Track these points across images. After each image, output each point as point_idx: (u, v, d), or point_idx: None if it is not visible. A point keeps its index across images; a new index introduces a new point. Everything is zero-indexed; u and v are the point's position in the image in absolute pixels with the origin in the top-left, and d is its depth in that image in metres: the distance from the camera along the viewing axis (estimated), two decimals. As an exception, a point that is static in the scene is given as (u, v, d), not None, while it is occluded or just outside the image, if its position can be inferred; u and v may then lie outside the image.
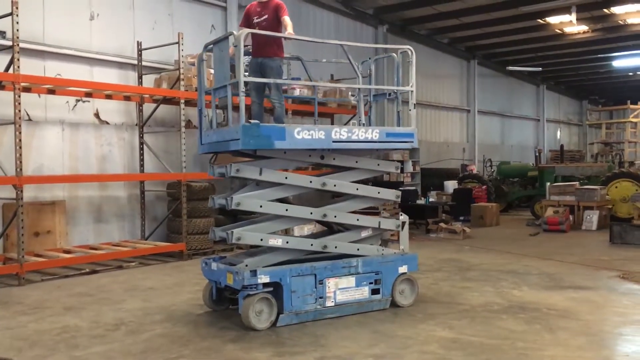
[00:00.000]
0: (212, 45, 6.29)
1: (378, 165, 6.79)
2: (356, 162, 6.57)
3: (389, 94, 7.40)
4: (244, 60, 5.62)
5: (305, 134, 5.88)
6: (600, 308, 6.49)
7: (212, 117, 6.33)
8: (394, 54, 6.98)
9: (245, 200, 5.94)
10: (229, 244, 10.70)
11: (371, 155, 6.80)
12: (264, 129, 5.74)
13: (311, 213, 6.28)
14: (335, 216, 6.41)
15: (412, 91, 6.67)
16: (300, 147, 6.02)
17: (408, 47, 6.73)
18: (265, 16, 6.73)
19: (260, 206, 6.01)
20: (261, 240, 6.00)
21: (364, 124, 6.49)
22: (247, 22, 6.90)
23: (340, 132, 6.07)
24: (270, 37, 6.57)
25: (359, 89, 6.69)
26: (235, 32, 5.74)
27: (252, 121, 5.74)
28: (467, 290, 7.39)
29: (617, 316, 6.16)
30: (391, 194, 6.93)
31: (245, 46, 5.85)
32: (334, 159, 6.42)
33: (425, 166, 19.46)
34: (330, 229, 6.80)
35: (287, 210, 6.18)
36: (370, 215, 7.19)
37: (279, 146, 5.83)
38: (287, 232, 8.96)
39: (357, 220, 6.58)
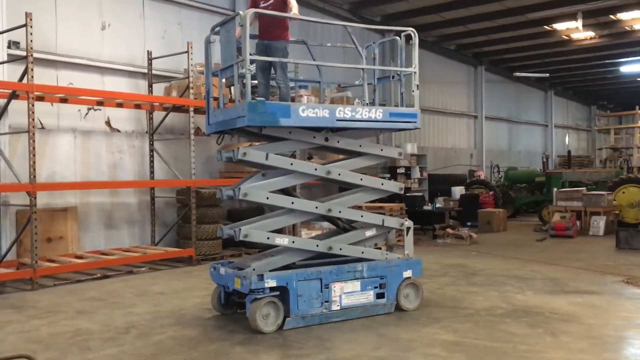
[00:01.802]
0: (219, 28, 6.39)
1: (382, 150, 6.91)
2: (360, 145, 6.67)
3: (393, 76, 7.40)
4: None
5: (310, 112, 6.00)
6: (604, 312, 6.55)
7: (219, 97, 6.44)
8: (397, 37, 7.02)
9: (252, 191, 6.05)
10: (237, 249, 11.03)
11: (374, 138, 6.83)
12: (269, 106, 5.87)
13: (316, 207, 6.39)
14: (340, 211, 6.52)
15: (415, 72, 6.75)
16: (305, 125, 6.11)
17: (411, 29, 6.80)
18: (272, 0, 6.80)
19: (267, 198, 6.12)
20: (268, 238, 6.11)
21: (367, 104, 6.59)
22: (253, 6, 6.93)
23: (344, 111, 6.17)
24: (275, 19, 6.63)
25: (362, 69, 6.77)
26: (241, 13, 5.87)
27: (258, 98, 5.86)
28: (472, 294, 7.47)
29: (621, 320, 6.23)
30: (394, 186, 7.03)
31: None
32: (338, 141, 6.52)
33: (433, 172, 19.58)
34: (336, 226, 6.91)
35: (292, 203, 6.30)
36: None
37: (284, 123, 5.94)
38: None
39: (362, 216, 6.70)
